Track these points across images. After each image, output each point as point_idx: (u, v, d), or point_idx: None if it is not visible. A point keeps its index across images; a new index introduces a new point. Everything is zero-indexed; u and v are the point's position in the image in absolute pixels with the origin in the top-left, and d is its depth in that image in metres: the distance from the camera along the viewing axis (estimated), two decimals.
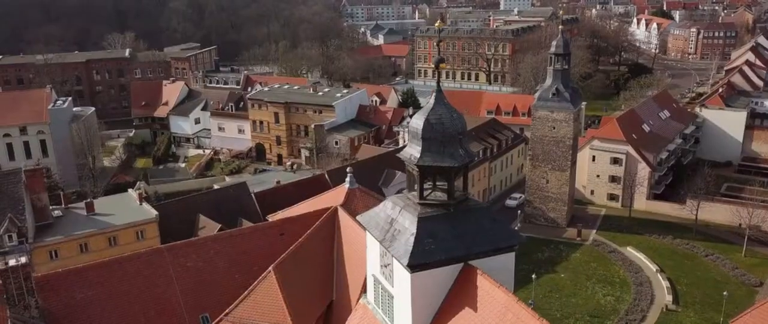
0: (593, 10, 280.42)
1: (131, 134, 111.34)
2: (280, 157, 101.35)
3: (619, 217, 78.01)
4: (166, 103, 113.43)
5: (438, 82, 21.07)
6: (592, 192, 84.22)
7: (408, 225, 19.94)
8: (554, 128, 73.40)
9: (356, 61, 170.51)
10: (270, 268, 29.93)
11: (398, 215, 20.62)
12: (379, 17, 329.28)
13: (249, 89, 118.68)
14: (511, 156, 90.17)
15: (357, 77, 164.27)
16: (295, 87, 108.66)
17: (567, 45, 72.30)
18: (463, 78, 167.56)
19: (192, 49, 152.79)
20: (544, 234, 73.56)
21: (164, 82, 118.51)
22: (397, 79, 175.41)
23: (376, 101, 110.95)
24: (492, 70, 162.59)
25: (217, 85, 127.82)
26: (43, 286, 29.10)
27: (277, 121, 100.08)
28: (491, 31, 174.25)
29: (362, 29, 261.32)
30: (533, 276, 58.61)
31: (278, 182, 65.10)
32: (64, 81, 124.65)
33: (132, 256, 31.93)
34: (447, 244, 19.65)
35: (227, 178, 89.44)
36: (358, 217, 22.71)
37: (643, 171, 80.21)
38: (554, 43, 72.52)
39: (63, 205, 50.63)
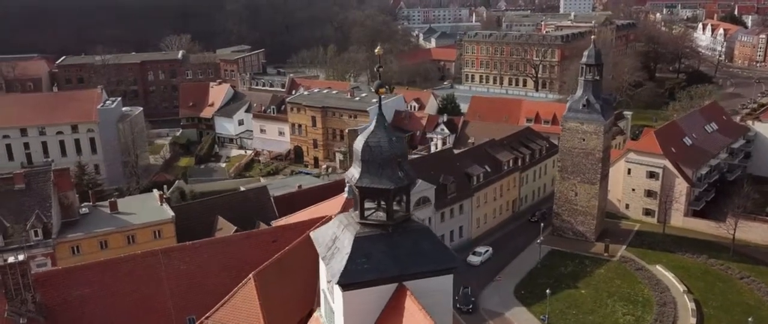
0: (657, 15, 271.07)
1: (178, 133, 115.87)
2: (316, 159, 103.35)
3: (653, 234, 75.56)
4: (212, 104, 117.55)
5: (380, 106, 21.53)
6: (627, 206, 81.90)
7: (346, 243, 20.46)
8: (584, 140, 71.92)
9: (404, 65, 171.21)
10: (251, 274, 31.01)
11: (341, 233, 21.16)
12: (435, 20, 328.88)
13: (293, 92, 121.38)
14: (545, 166, 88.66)
15: (404, 81, 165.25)
16: (334, 91, 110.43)
17: (599, 55, 70.82)
18: (510, 84, 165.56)
19: (242, 52, 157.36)
20: (570, 248, 72.21)
21: (211, 83, 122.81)
22: (445, 83, 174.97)
23: (414, 107, 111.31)
24: (539, 76, 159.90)
25: (263, 88, 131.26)
26: (42, 283, 31.23)
27: (314, 124, 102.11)
28: (540, 36, 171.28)
29: (415, 32, 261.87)
30: (548, 291, 57.72)
31: (300, 186, 66.56)
32: (119, 81, 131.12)
33: (127, 257, 33.74)
34: (381, 264, 20.02)
35: (262, 180, 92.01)
36: (310, 232, 23.40)
37: (681, 186, 77.39)
38: (586, 52, 71.16)
39: (91, 203, 53.68)
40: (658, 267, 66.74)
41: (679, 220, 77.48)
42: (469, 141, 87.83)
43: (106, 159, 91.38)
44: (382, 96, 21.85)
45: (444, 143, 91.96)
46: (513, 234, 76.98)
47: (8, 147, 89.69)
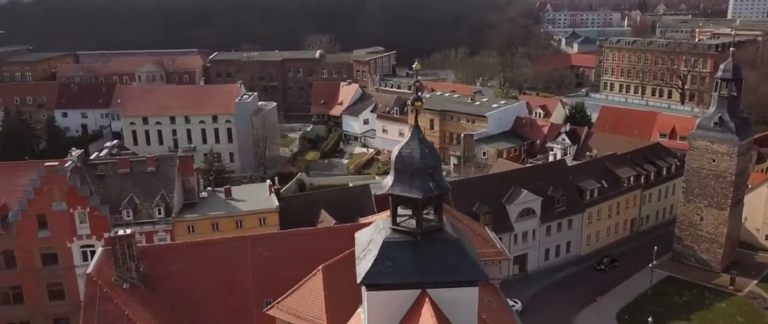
0: None
1: (308, 129, 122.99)
2: None
3: None
4: (341, 103, 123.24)
5: (416, 118, 22.26)
6: (766, 237, 73.88)
7: (376, 246, 21.58)
8: (714, 161, 66.13)
9: (539, 70, 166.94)
10: (319, 267, 33.07)
11: (375, 236, 22.27)
12: (582, 24, 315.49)
13: (419, 94, 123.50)
14: (673, 186, 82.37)
15: (539, 87, 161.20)
16: (456, 95, 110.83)
17: (738, 69, 64.66)
18: (653, 94, 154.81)
19: (376, 53, 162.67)
20: (689, 276, 66.88)
21: (342, 83, 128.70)
22: (581, 91, 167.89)
23: (539, 114, 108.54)
24: (687, 88, 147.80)
25: (391, 89, 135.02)
26: (145, 255, 35.72)
27: (432, 127, 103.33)
28: (691, 44, 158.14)
29: (558, 36, 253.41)
30: (650, 319, 54.07)
31: None
32: (262, 77, 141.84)
33: (219, 240, 37.50)
34: (405, 269, 20.86)
35: (377, 177, 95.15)
36: (356, 233, 24.75)
37: None
38: (722, 66, 65.43)
39: (211, 188, 59.48)
40: None
41: None
42: (588, 154, 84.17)
43: (240, 149, 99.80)
44: (418, 109, 22.41)
45: (564, 154, 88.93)
46: (626, 255, 72.63)
47: (159, 133, 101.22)
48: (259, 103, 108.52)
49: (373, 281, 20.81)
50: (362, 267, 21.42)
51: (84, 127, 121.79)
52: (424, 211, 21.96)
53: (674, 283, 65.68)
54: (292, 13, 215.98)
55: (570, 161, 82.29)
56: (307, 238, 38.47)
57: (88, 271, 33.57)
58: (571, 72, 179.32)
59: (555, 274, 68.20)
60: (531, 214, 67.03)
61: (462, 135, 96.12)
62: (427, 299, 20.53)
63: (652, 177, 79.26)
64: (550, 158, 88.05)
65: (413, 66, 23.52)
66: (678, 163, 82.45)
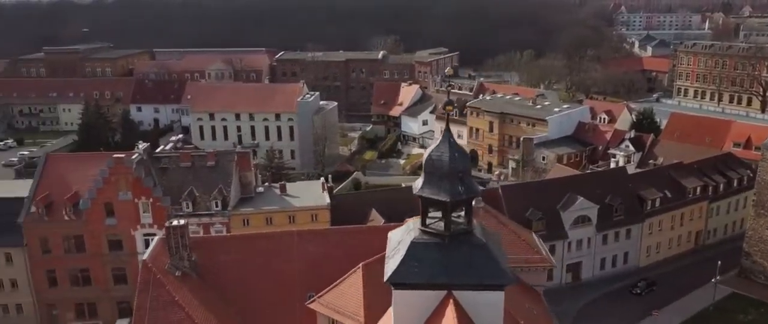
0: None
1: (368, 129, 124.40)
2: (490, 165, 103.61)
3: None
4: (400, 104, 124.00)
5: (447, 122, 22.49)
6: None
7: (404, 246, 22.04)
8: None
9: (609, 74, 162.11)
10: (360, 264, 33.79)
11: (405, 236, 22.74)
12: (659, 26, 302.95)
13: (480, 96, 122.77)
14: (745, 199, 78.18)
15: (607, 91, 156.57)
16: (517, 98, 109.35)
17: None
18: (730, 102, 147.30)
19: (438, 54, 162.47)
20: (757, 294, 63.50)
21: (402, 84, 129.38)
22: (654, 96, 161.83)
23: (603, 119, 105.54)
24: None
25: (453, 90, 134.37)
26: (198, 245, 37.48)
27: (491, 130, 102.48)
28: None
29: (631, 39, 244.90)
30: None
31: None
32: (325, 77, 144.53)
33: (267, 234, 38.89)
34: (431, 270, 21.18)
35: None
36: (390, 233, 25.24)
37: None
38: None
39: (267, 184, 61.46)
40: None
41: None
42: (651, 162, 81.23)
43: (301, 146, 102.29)
44: (449, 112, 22.64)
45: (627, 161, 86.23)
46: (689, 268, 69.65)
47: (225, 129, 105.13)
48: (321, 102, 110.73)
49: (400, 280, 21.26)
50: (390, 266, 21.93)
51: (156, 121, 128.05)
52: (454, 214, 22.25)
53: (740, 301, 62.54)
54: (357, 14, 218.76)
55: (633, 169, 79.73)
56: (353, 236, 39.25)
57: (144, 258, 35.60)
58: (642, 76, 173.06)
59: (610, 284, 66.27)
60: (586, 221, 65.45)
61: (521, 138, 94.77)
62: (451, 300, 20.79)
63: (721, 188, 75.58)
64: (612, 165, 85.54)
65: (446, 71, 24.10)
66: (750, 175, 78.16)
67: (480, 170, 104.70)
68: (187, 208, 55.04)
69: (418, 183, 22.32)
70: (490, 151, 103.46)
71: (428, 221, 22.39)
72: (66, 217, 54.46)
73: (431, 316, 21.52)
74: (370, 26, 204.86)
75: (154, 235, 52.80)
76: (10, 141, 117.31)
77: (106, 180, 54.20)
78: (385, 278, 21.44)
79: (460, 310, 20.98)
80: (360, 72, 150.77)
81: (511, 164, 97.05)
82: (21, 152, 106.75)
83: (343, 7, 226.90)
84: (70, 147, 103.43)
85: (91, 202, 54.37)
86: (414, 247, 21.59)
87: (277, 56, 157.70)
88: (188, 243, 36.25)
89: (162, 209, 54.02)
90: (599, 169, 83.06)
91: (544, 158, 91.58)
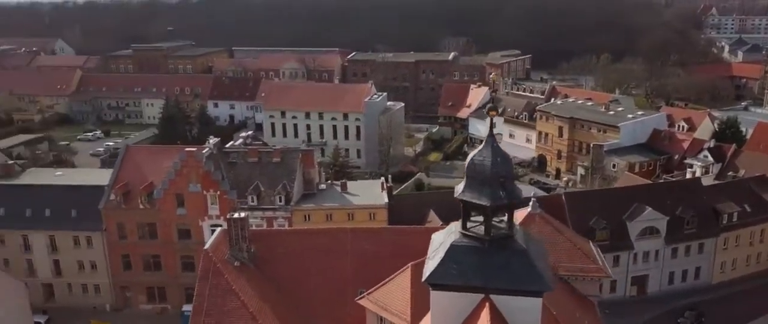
0: None
1: (434, 130, 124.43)
2: (558, 171, 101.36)
3: None
4: (469, 106, 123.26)
5: (491, 126, 22.58)
6: None
7: (444, 248, 22.35)
8: None
9: (692, 80, 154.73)
10: (409, 264, 34.22)
11: (446, 239, 23.04)
12: (754, 30, 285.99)
13: (552, 100, 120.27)
14: None
15: (690, 98, 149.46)
16: (589, 103, 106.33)
17: None
18: None
19: (511, 56, 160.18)
20: None
21: (471, 85, 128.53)
22: (742, 104, 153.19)
23: (682, 127, 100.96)
24: None
25: (524, 93, 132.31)
26: (257, 238, 39.00)
27: (560, 134, 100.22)
28: None
29: (721, 43, 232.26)
30: None
31: None
32: (394, 77, 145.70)
33: (323, 230, 40.04)
34: (468, 273, 21.36)
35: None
36: (433, 234, 25.56)
37: None
38: None
39: (329, 182, 62.98)
40: None
41: None
42: (731, 174, 76.98)
43: (366, 146, 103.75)
44: (492, 117, 22.70)
45: (705, 172, 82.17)
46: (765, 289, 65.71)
47: (295, 126, 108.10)
48: (388, 102, 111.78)
49: (437, 281, 21.59)
50: (429, 266, 22.30)
51: (231, 117, 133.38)
52: (496, 219, 22.35)
53: None
54: (429, 15, 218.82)
55: (710, 181, 75.89)
56: (405, 236, 39.61)
57: (206, 247, 37.43)
58: (730, 83, 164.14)
59: (679, 299, 63.39)
60: (655, 233, 62.94)
61: (591, 145, 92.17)
62: (487, 304, 20.91)
63: None
64: (688, 176, 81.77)
65: (491, 77, 23.90)
66: None
67: (548, 175, 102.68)
68: (252, 201, 57.27)
69: (459, 186, 22.56)
70: (559, 156, 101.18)
71: (469, 225, 22.58)
72: (141, 206, 58.02)
73: (468, 318, 21.70)
74: (442, 28, 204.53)
75: (220, 226, 55.39)
76: (98, 132, 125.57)
77: (178, 172, 57.28)
78: (423, 278, 21.82)
79: (495, 313, 21.07)
80: (430, 73, 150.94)
81: (580, 171, 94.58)
82: (107, 143, 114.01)
83: (415, 8, 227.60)
84: (151, 140, 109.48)
85: (164, 192, 57.62)
86: (453, 250, 21.85)
87: (348, 57, 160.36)
88: (248, 235, 37.75)
89: (229, 202, 56.48)
90: (673, 179, 79.66)
91: (614, 166, 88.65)
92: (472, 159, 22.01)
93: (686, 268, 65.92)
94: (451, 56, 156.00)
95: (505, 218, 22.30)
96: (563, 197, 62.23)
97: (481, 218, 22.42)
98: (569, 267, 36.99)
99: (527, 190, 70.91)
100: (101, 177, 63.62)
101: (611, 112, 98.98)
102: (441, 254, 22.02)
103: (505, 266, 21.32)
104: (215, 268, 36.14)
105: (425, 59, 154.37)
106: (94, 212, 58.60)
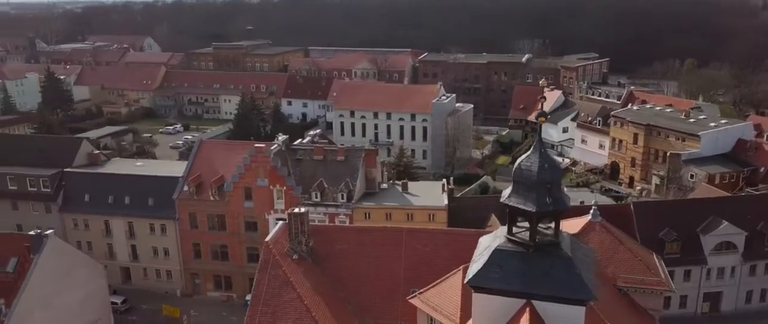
0: None
1: (504, 133, 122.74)
2: (631, 179, 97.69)
3: None
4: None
5: (539, 132, 22.40)
6: None
7: (488, 252, 22.45)
8: None
9: None
10: (461, 266, 34.28)
11: (492, 243, 23.12)
12: None
13: (629, 105, 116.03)
14: None
15: None
16: (668, 109, 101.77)
17: None
18: None
19: (587, 59, 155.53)
20: None
21: (544, 88, 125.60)
22: None
23: None
24: None
25: (596, 98, 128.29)
26: (316, 233, 40.18)
27: (635, 142, 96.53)
28: None
29: None
30: None
31: (582, 202, 65.29)
32: (465, 79, 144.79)
33: (379, 228, 40.72)
34: (511, 277, 21.40)
35: (565, 189, 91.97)
36: (481, 237, 25.63)
37: None
38: None
39: (391, 181, 63.64)
40: None
41: None
42: None
43: (433, 147, 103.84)
44: (541, 124, 22.53)
45: None
46: None
47: (363, 126, 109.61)
48: (457, 104, 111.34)
49: (479, 284, 21.76)
50: (472, 269, 22.49)
51: (304, 115, 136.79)
52: (542, 225, 22.23)
53: None
54: (504, 16, 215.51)
55: None
56: (460, 238, 39.61)
57: (267, 239, 38.95)
58: None
59: (756, 320, 59.85)
60: (731, 248, 59.64)
61: (668, 153, 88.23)
62: (528, 309, 20.86)
63: None
64: None
65: (540, 83, 23.63)
66: None
67: (620, 183, 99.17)
68: (316, 197, 58.82)
69: (506, 191, 22.57)
70: (633, 164, 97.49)
71: (515, 230, 22.59)
72: (211, 198, 60.82)
73: (509, 322, 21.73)
74: (517, 29, 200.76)
75: (285, 220, 57.20)
76: (178, 126, 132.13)
77: (247, 167, 59.65)
78: (465, 280, 22.00)
79: (537, 320, 20.99)
80: (502, 75, 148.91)
81: (655, 180, 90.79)
82: (185, 137, 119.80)
83: (490, 9, 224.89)
84: (226, 135, 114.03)
85: (233, 185, 60.17)
86: (497, 254, 21.96)
87: (420, 57, 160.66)
88: (307, 229, 38.98)
89: (293, 197, 58.24)
90: (757, 193, 75.06)
91: (692, 176, 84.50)
92: (519, 164, 22.00)
93: (765, 287, 62.11)
94: (524, 58, 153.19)
95: (552, 225, 22.14)
96: (631, 207, 60.07)
97: (527, 224, 22.37)
98: (628, 278, 35.95)
99: (589, 199, 69.22)
100: (177, 168, 67.08)
101: (692, 120, 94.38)
102: (485, 257, 22.16)
103: (549, 273, 21.21)
104: (274, 260, 37.55)
105: (498, 61, 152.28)
106: (169, 202, 61.98)
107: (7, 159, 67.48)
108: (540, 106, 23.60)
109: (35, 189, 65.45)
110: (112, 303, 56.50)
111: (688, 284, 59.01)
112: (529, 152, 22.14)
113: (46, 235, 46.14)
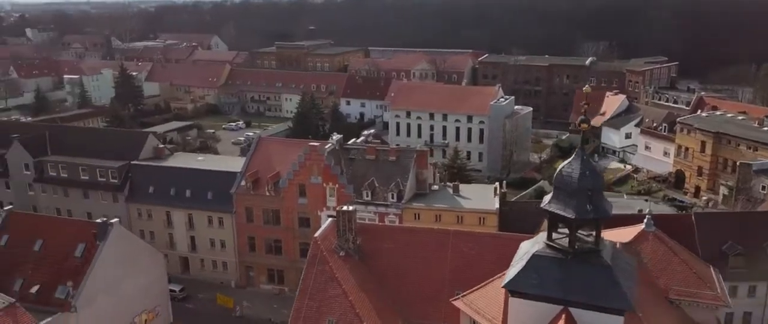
0: None
1: (563, 137, 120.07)
2: (697, 189, 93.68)
3: None
4: (603, 114, 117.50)
5: (582, 140, 22.09)
6: None
7: (527, 257, 22.36)
8: None
9: None
10: (505, 271, 34.07)
11: (531, 248, 23.01)
12: None
13: (698, 112, 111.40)
14: None
15: None
16: (740, 117, 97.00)
17: None
18: None
19: (655, 63, 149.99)
20: None
21: (607, 93, 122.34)
22: None
23: None
24: None
25: (666, 103, 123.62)
26: (364, 231, 40.85)
27: (702, 150, 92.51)
28: None
29: None
30: None
31: (640, 211, 63.26)
32: (525, 81, 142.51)
33: (425, 230, 40.96)
34: (548, 283, 21.27)
35: (626, 196, 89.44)
36: (522, 242, 25.48)
37: None
38: None
39: (442, 183, 63.63)
40: None
41: None
42: None
43: (489, 149, 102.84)
44: (584, 130, 22.23)
45: None
46: None
47: (419, 127, 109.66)
48: (516, 107, 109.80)
49: (515, 288, 21.72)
50: (510, 273, 22.45)
51: (361, 115, 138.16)
52: (582, 232, 21.95)
53: None
54: (567, 18, 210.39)
55: None
56: (506, 242, 39.15)
57: (315, 235, 39.90)
58: None
59: None
60: None
61: (738, 163, 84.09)
62: (564, 316, 20.65)
63: None
64: None
65: (583, 89, 23.25)
66: None
67: (685, 193, 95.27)
68: (367, 196, 59.51)
69: (547, 197, 22.40)
70: (700, 173, 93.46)
71: (555, 236, 22.40)
72: (267, 193, 62.56)
73: None
74: (583, 31, 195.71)
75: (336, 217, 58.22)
76: (241, 123, 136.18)
77: (302, 164, 61.05)
78: (502, 283, 21.98)
79: None
80: (564, 78, 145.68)
81: (723, 190, 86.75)
82: (247, 133, 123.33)
83: (553, 10, 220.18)
84: (285, 133, 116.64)
85: (288, 182, 61.69)
86: (535, 259, 21.86)
87: (480, 58, 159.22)
88: (354, 227, 39.73)
89: (345, 195, 59.15)
90: None
91: (764, 188, 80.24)
92: (560, 170, 21.86)
93: None
94: (587, 61, 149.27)
95: (594, 232, 21.83)
96: (693, 218, 57.63)
97: (566, 231, 22.15)
98: (681, 290, 34.77)
99: (644, 207, 66.99)
100: (236, 164, 69.29)
101: (766, 129, 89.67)
102: (523, 262, 22.11)
103: (587, 280, 20.97)
104: (322, 256, 38.48)
105: (560, 63, 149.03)
106: (227, 196, 64.17)
107: (81, 150, 71.57)
108: (583, 111, 23.26)
109: (104, 179, 69.14)
110: (171, 291, 58.93)
111: (751, 301, 56.05)
112: (570, 159, 21.89)
113: (111, 223, 48.73)
